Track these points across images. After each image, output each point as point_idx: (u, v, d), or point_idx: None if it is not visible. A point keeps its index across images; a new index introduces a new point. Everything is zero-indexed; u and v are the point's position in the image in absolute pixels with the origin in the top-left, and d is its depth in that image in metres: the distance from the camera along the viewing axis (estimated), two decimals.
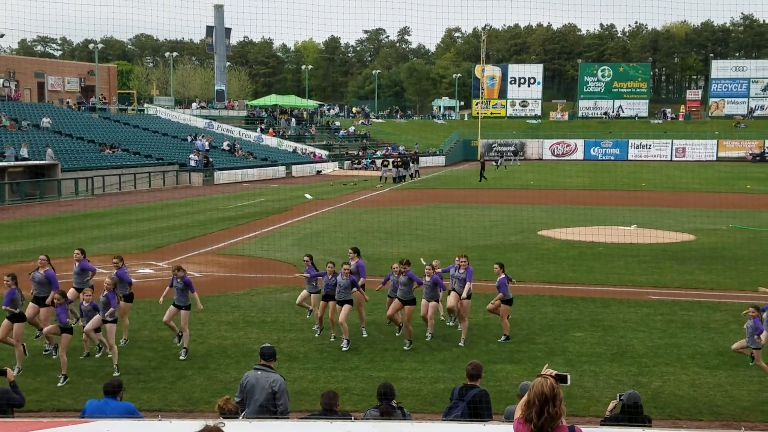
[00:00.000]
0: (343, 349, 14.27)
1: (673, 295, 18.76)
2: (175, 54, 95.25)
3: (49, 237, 27.35)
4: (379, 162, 70.31)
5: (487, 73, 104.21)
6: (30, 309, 14.00)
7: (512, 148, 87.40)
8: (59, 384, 12.38)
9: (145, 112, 73.97)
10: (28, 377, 12.43)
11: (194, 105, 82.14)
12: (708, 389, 12.43)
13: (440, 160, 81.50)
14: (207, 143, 59.88)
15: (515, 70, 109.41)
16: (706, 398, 12.03)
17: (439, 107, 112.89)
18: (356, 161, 74.01)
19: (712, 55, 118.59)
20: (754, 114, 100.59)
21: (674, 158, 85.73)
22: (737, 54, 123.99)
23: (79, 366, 13.28)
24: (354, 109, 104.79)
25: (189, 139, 62.32)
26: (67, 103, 67.00)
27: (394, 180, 57.96)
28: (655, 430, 7.49)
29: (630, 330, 15.32)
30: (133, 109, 75.66)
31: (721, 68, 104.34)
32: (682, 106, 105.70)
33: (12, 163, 43.34)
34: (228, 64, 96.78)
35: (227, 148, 59.72)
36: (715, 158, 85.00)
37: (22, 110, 56.02)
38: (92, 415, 8.15)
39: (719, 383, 12.67)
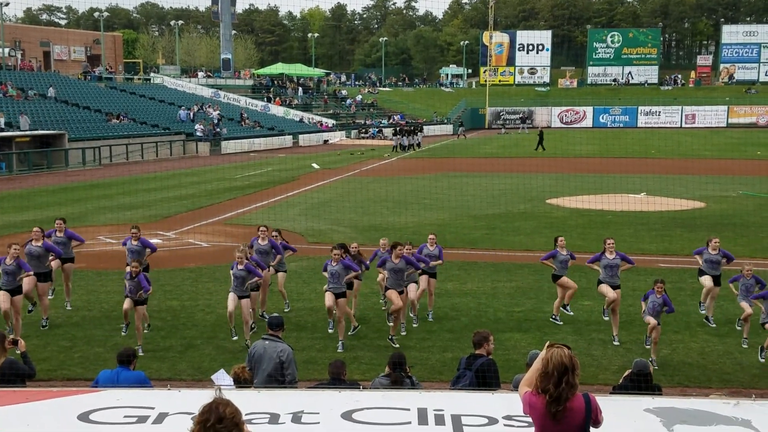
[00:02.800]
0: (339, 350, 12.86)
1: (682, 263, 18.67)
2: (180, 22, 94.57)
3: (57, 207, 27.39)
4: (387, 131, 70.15)
5: (495, 39, 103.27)
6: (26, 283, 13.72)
7: (520, 117, 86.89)
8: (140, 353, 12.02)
9: (152, 81, 73.71)
10: (38, 347, 12.48)
11: (200, 74, 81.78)
12: (717, 357, 12.41)
13: (448, 128, 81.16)
14: (191, 113, 59.22)
15: (523, 36, 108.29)
16: (715, 366, 12.01)
17: (447, 75, 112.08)
18: (363, 130, 73.74)
19: (722, 19, 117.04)
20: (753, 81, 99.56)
21: (684, 125, 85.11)
22: (748, 18, 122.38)
23: (89, 336, 13.33)
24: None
25: (195, 108, 62.09)
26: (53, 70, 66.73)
27: (403, 148, 57.76)
28: (664, 398, 7.46)
29: (639, 298, 15.22)
30: (139, 79, 75.39)
31: (732, 33, 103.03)
32: (693, 72, 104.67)
33: (19, 133, 43.32)
34: (234, 32, 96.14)
35: (217, 117, 59.22)
36: (725, 124, 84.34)
37: (29, 80, 55.85)
38: (104, 384, 8.18)
39: (728, 351, 12.65)
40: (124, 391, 7.41)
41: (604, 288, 13.44)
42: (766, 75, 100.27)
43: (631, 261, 13.80)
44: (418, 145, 59.85)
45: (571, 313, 14.33)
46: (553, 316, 14.23)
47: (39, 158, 43.99)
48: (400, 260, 13.17)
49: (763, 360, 12.03)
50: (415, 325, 14.03)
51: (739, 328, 13.49)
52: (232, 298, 12.89)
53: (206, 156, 53.44)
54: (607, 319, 13.72)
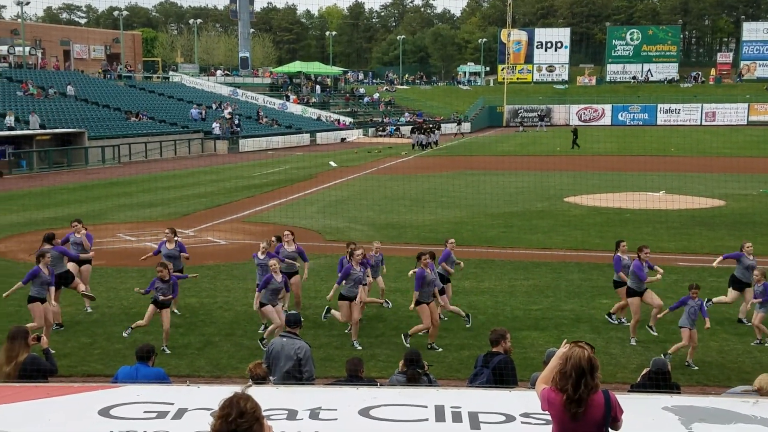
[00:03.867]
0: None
1: (702, 261, 18.54)
2: (199, 21, 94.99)
3: (77, 204, 27.64)
4: (404, 129, 70.12)
5: (513, 37, 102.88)
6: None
7: (538, 114, 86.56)
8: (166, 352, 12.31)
9: (170, 79, 74.09)
10: (58, 343, 12.60)
11: (219, 72, 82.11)
12: (736, 356, 12.33)
13: (465, 126, 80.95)
14: (203, 112, 59.20)
15: (542, 34, 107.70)
16: (734, 365, 11.93)
17: (465, 73, 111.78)
18: (381, 128, 73.74)
19: (743, 16, 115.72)
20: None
21: (704, 123, 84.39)
22: None
23: (109, 332, 13.44)
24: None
25: (213, 107, 62.37)
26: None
27: (421, 146, 57.71)
28: (683, 396, 7.43)
29: (658, 296, 15.17)
30: (158, 77, 75.81)
31: (752, 30, 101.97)
32: (713, 70, 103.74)
33: (39, 131, 43.70)
34: (252, 30, 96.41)
35: (228, 116, 59.22)
36: (746, 122, 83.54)
37: (49, 78, 56.32)
38: (124, 380, 8.26)
39: (748, 350, 12.57)
40: (143, 387, 7.48)
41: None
42: None
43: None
44: (436, 143, 59.79)
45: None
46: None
47: (59, 156, 44.36)
48: (432, 272, 12.82)
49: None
50: (467, 325, 13.68)
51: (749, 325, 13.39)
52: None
53: (224, 154, 53.68)
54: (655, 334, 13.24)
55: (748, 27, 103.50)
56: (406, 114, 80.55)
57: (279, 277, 12.57)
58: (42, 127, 44.42)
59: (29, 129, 42.95)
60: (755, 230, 22.35)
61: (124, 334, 12.72)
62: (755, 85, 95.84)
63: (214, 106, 62.13)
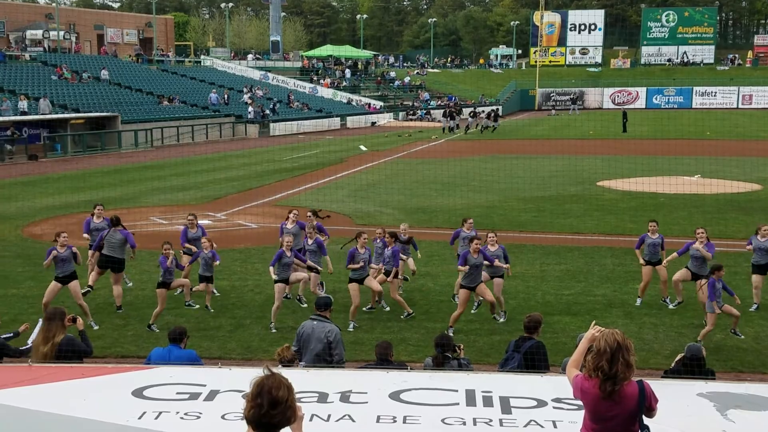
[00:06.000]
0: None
1: (737, 246, 18.25)
2: (230, 5, 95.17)
3: (111, 188, 27.93)
4: (437, 113, 69.84)
5: (546, 19, 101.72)
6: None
7: (570, 97, 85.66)
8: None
9: (202, 63, 74.44)
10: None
11: (250, 56, 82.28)
12: None
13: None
14: (222, 96, 59.04)
15: (575, 16, 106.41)
16: None
17: (496, 56, 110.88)
18: (411, 112, 73.48)
19: None
20: None
21: (741, 106, 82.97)
22: None
23: (142, 315, 13.58)
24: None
25: (244, 90, 62.56)
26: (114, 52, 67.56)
27: (451, 130, 57.41)
28: (718, 382, 7.33)
29: (692, 282, 14.97)
30: (190, 61, 76.19)
31: None
32: (750, 52, 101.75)
33: (73, 115, 44.21)
34: (283, 14, 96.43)
35: (249, 101, 59.13)
36: None
37: (83, 62, 56.87)
38: (157, 362, 8.35)
39: None
40: (176, 369, 7.56)
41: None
42: None
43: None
44: (458, 126, 59.42)
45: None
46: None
47: (93, 140, 44.86)
48: (479, 255, 12.66)
49: None
50: (502, 320, 13.23)
51: None
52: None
53: (255, 138, 53.91)
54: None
55: None
56: (424, 97, 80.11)
57: (290, 253, 13.03)
58: (75, 111, 44.88)
59: (39, 113, 42.54)
60: None
61: (155, 330, 12.75)
62: None
63: (245, 90, 62.30)
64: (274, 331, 12.73)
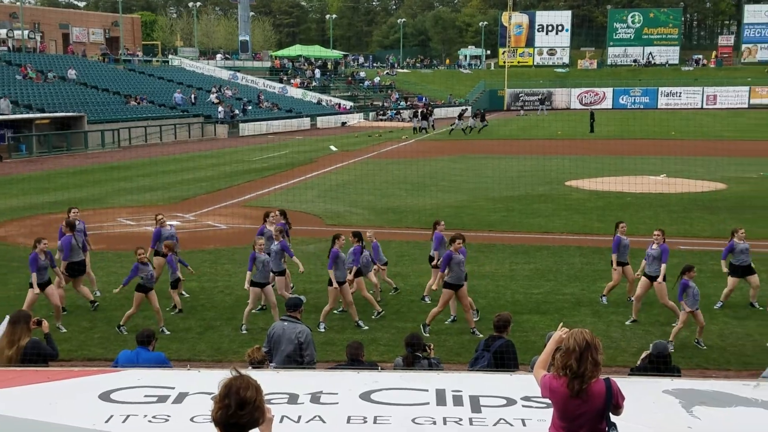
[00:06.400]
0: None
1: (703, 245, 18.55)
2: (198, 4, 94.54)
3: (77, 189, 27.59)
4: (406, 113, 69.96)
5: (514, 20, 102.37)
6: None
7: (539, 98, 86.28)
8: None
9: (170, 63, 73.82)
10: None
11: (218, 56, 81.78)
12: (736, 339, 12.34)
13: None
14: (188, 96, 58.47)
15: (543, 17, 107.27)
16: (734, 348, 11.94)
17: (465, 56, 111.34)
18: (381, 112, 73.53)
19: None
20: None
21: (705, 106, 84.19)
22: None
23: (110, 317, 13.45)
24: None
25: (213, 90, 62.15)
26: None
27: (422, 130, 57.49)
28: (683, 379, 7.42)
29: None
30: (157, 61, 75.55)
31: (754, 13, 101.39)
32: (714, 53, 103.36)
33: (38, 115, 43.60)
34: (252, 14, 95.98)
35: (216, 100, 58.66)
36: (747, 105, 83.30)
37: (48, 62, 56.12)
38: (124, 364, 8.27)
39: (748, 333, 12.57)
40: (144, 371, 7.48)
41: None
42: None
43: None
44: (433, 126, 59.64)
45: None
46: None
47: (59, 140, 44.28)
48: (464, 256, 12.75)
49: None
50: (475, 319, 13.11)
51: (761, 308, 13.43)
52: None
53: (224, 138, 53.59)
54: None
55: (750, 9, 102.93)
56: (394, 97, 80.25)
57: (263, 255, 12.86)
58: (40, 111, 44.29)
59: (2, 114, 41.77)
60: (756, 213, 22.33)
61: (124, 332, 12.60)
62: (756, 68, 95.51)
63: (213, 90, 61.90)
64: (244, 332, 12.68)
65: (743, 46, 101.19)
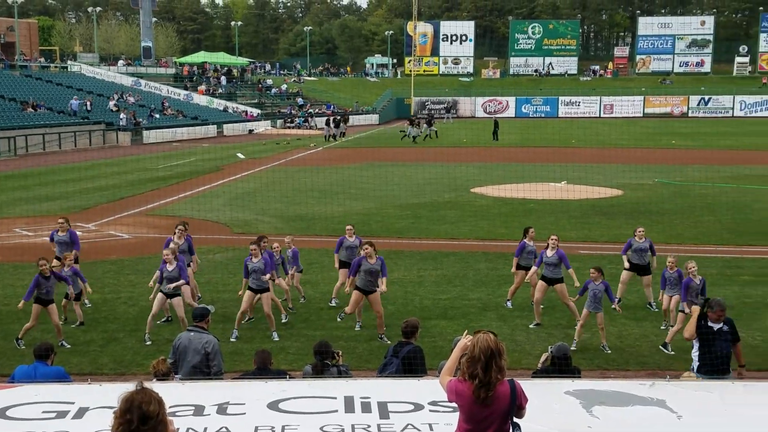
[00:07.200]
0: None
1: (601, 249, 19.21)
2: (98, 9, 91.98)
3: None
4: (320, 121, 69.76)
5: (419, 30, 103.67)
6: None
7: (444, 106, 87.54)
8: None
9: (69, 69, 71.45)
10: None
11: (120, 62, 79.66)
12: (634, 340, 12.82)
13: (373, 118, 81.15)
14: (84, 103, 56.67)
15: (447, 27, 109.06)
16: (632, 349, 12.40)
17: (372, 65, 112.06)
18: (289, 120, 73.12)
19: (639, 12, 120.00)
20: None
21: (603, 115, 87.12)
22: (663, 11, 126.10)
23: (6, 330, 12.91)
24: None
25: (114, 96, 60.45)
26: None
27: (334, 137, 57.46)
28: (584, 380, 7.68)
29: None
30: (56, 67, 73.00)
31: (647, 25, 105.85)
32: (610, 63, 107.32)
33: None
34: (154, 20, 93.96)
35: (114, 108, 57.09)
36: (641, 114, 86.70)
37: None
38: (21, 380, 7.96)
39: (645, 334, 13.08)
40: (42, 386, 7.23)
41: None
42: (680, 66, 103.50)
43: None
44: (342, 134, 59.69)
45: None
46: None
47: None
48: (376, 261, 12.73)
49: (671, 353, 12.22)
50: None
51: (656, 309, 14.00)
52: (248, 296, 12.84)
53: (127, 146, 52.19)
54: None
55: (644, 22, 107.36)
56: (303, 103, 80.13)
57: (171, 266, 12.48)
58: None
59: None
60: (651, 218, 23.27)
61: (21, 346, 12.13)
62: (650, 78, 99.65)
63: (115, 96, 60.23)
64: (148, 343, 12.39)
65: (638, 57, 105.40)
